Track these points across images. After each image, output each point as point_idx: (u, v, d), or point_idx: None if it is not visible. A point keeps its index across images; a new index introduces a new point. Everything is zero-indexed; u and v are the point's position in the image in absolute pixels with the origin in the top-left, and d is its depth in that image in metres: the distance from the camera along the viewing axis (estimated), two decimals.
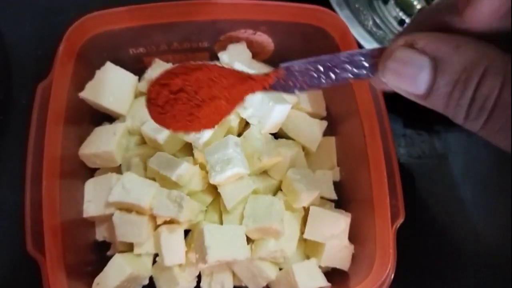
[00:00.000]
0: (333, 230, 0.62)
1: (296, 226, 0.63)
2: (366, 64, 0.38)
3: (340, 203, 0.69)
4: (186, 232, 0.64)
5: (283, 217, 0.59)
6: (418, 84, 0.34)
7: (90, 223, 0.65)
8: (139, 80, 0.70)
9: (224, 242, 0.57)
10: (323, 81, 0.39)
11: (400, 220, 0.58)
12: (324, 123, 0.71)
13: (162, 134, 0.61)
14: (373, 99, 0.63)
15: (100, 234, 0.65)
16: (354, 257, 0.63)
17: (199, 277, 0.64)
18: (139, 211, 0.60)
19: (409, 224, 0.72)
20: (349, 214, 0.64)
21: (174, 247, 0.60)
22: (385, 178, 0.59)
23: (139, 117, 0.66)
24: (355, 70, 0.38)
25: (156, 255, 0.63)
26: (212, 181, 0.60)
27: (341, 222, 0.63)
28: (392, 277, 0.56)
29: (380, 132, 0.61)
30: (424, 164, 0.81)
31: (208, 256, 0.55)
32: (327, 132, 0.72)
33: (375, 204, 0.59)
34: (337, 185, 0.70)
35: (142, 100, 0.68)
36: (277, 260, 0.62)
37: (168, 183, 0.62)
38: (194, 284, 0.63)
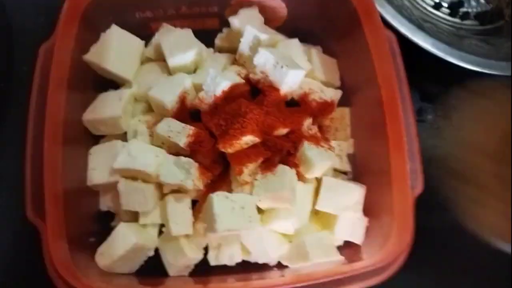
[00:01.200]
0: (346, 202, 0.60)
1: (309, 198, 0.60)
2: None
3: (354, 176, 0.66)
4: (194, 204, 0.61)
5: (295, 186, 0.57)
6: None
7: (94, 193, 0.63)
8: (146, 45, 0.67)
9: (234, 211, 0.54)
10: None
11: (419, 191, 0.55)
12: (339, 92, 0.68)
13: (169, 98, 0.59)
14: (394, 69, 0.60)
15: (104, 204, 0.63)
16: (368, 231, 0.61)
17: (206, 250, 0.61)
18: (145, 179, 0.58)
19: (423, 199, 0.70)
20: (364, 186, 0.61)
21: (181, 216, 0.58)
22: (404, 147, 0.56)
23: (145, 83, 0.63)
24: None
25: (162, 226, 0.61)
26: (222, 148, 0.57)
27: (355, 193, 0.60)
28: (408, 251, 0.53)
29: (400, 101, 0.59)
30: (440, 137, 0.78)
31: (217, 224, 0.53)
32: (341, 103, 0.69)
33: (393, 174, 0.56)
34: (350, 158, 0.67)
35: (149, 66, 0.66)
36: (288, 232, 0.59)
37: (175, 151, 0.59)
38: (201, 256, 0.61)
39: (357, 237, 0.60)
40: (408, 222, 0.53)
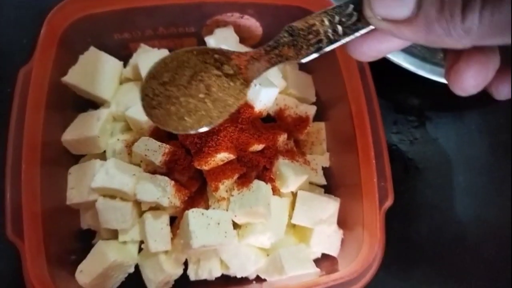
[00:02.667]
0: (321, 215, 0.61)
1: (284, 212, 0.62)
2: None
3: (330, 189, 0.68)
4: (172, 220, 0.62)
5: (269, 201, 0.58)
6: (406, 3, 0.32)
7: (75, 211, 0.64)
8: (125, 66, 0.68)
9: (209, 227, 0.56)
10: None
11: (389, 203, 0.57)
12: (313, 108, 0.70)
13: (146, 118, 0.60)
14: (362, 82, 0.62)
15: (85, 222, 0.64)
16: (343, 243, 0.62)
17: (186, 265, 0.62)
18: (123, 197, 0.59)
19: (400, 210, 0.72)
20: (338, 199, 0.63)
21: (159, 233, 0.59)
22: (372, 160, 0.58)
23: (124, 103, 0.65)
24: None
25: (142, 243, 0.62)
26: (198, 165, 0.58)
27: (329, 206, 0.62)
28: (380, 260, 0.55)
29: (368, 114, 0.60)
30: (416, 149, 0.80)
31: (192, 240, 0.54)
32: (317, 118, 0.71)
33: (363, 187, 0.58)
34: (327, 171, 0.69)
35: (127, 86, 0.67)
36: (265, 246, 0.61)
37: (153, 169, 0.61)
38: (181, 271, 0.62)
39: (333, 250, 0.62)
40: (377, 233, 0.54)
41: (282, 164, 0.62)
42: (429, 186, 0.78)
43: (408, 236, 0.74)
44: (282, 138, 0.65)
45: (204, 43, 0.69)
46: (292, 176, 0.60)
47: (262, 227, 0.59)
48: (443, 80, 0.73)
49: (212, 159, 0.58)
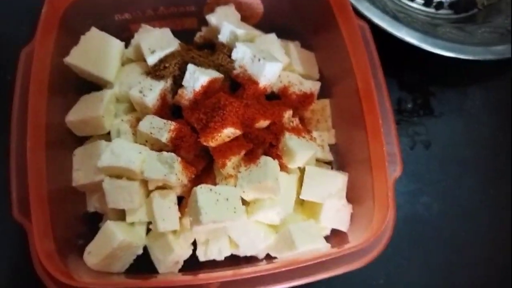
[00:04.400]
0: (330, 190, 0.61)
1: (292, 187, 0.61)
2: None
3: (336, 166, 0.67)
4: (180, 201, 0.62)
5: (278, 175, 0.58)
6: None
7: (81, 194, 0.63)
8: (126, 46, 0.68)
9: (218, 203, 0.55)
10: None
11: (399, 172, 0.57)
12: (318, 84, 0.69)
13: (150, 96, 0.60)
14: (368, 57, 0.62)
15: (91, 204, 0.63)
16: (353, 218, 0.62)
17: (195, 246, 0.62)
18: (130, 176, 0.58)
19: (406, 185, 0.72)
20: (346, 173, 0.63)
21: (167, 212, 0.58)
22: (380, 129, 0.57)
23: (127, 83, 0.64)
24: None
25: (149, 224, 0.61)
26: (204, 142, 0.58)
27: (338, 180, 0.61)
28: (392, 229, 0.54)
29: (375, 90, 0.60)
30: (421, 125, 0.80)
31: (201, 216, 0.53)
32: (321, 95, 0.70)
33: (372, 158, 0.58)
34: (333, 148, 0.68)
35: (130, 67, 0.66)
36: (274, 222, 0.60)
37: (158, 148, 0.60)
38: (190, 252, 0.62)
39: (343, 224, 0.61)
40: (388, 202, 0.54)
41: (289, 139, 0.61)
42: (436, 161, 0.78)
43: (415, 213, 0.74)
44: (288, 114, 0.64)
45: (205, 22, 0.69)
46: (299, 151, 0.60)
47: (270, 203, 0.59)
48: (446, 53, 0.73)
49: (219, 134, 0.57)
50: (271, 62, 0.60)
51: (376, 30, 0.68)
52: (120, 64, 0.66)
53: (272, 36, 0.69)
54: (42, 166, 0.55)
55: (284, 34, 0.72)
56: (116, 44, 0.65)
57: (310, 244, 0.58)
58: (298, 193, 0.62)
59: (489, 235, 0.73)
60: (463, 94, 0.83)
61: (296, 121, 0.67)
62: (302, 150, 0.60)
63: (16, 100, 0.57)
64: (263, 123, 0.62)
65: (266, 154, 0.62)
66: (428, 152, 0.79)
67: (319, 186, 0.61)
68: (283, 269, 0.51)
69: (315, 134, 0.67)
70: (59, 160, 0.60)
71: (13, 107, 0.57)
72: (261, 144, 0.62)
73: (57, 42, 0.60)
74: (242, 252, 0.61)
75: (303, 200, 0.62)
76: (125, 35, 0.69)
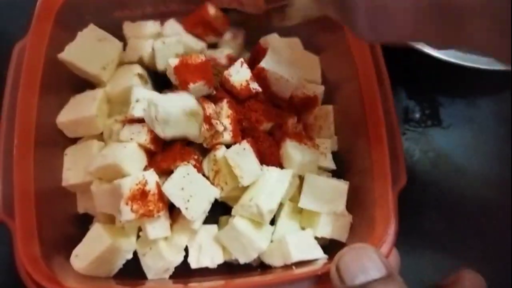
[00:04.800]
0: (329, 199, 0.58)
1: (283, 185, 0.58)
2: None
3: (338, 174, 0.65)
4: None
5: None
6: None
7: (71, 195, 0.61)
8: (124, 48, 0.66)
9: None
10: None
11: (402, 184, 0.54)
12: (321, 87, 0.67)
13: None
14: (374, 63, 0.59)
15: (82, 206, 0.61)
16: (352, 229, 0.59)
17: (186, 251, 0.59)
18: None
19: (411, 197, 0.69)
20: (347, 182, 0.60)
21: (157, 219, 0.56)
22: (384, 137, 0.55)
23: (121, 85, 0.62)
24: None
25: (140, 230, 0.59)
26: None
27: (338, 190, 0.59)
28: (393, 242, 0.51)
29: (380, 97, 0.57)
30: (428, 136, 0.77)
31: None
32: (324, 101, 0.68)
33: (374, 167, 0.55)
34: (335, 156, 0.65)
35: (125, 69, 0.64)
36: (255, 218, 0.57)
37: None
38: (181, 258, 0.59)
39: (342, 235, 0.59)
40: (390, 214, 0.51)
41: (290, 147, 0.59)
42: (442, 174, 0.75)
43: (420, 228, 0.71)
44: (292, 121, 0.62)
45: None
46: (299, 159, 0.58)
47: (248, 194, 0.57)
48: (456, 61, 0.70)
49: None
50: None
51: None
52: (116, 65, 0.64)
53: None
54: (29, 163, 0.53)
55: (286, 35, 0.69)
56: (114, 44, 0.63)
57: (307, 254, 0.55)
58: (297, 201, 0.59)
59: (498, 252, 0.70)
60: (473, 105, 0.80)
61: (299, 127, 0.65)
62: (303, 157, 0.58)
63: (6, 96, 0.55)
64: (266, 126, 0.60)
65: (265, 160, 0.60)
66: (435, 164, 0.76)
67: (319, 195, 0.58)
68: (277, 281, 0.49)
69: (318, 141, 0.65)
70: (49, 158, 0.58)
71: (4, 102, 0.55)
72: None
73: (52, 37, 0.58)
74: (235, 259, 0.59)
75: (301, 208, 0.60)
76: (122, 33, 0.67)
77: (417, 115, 0.79)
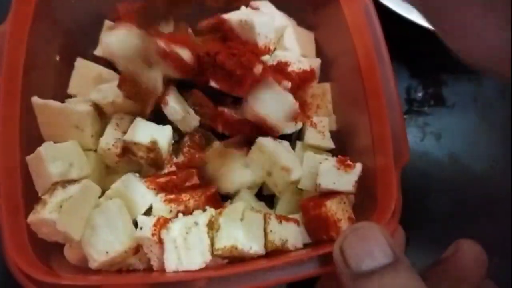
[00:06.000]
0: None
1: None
2: None
3: (337, 153, 0.62)
4: None
5: None
6: None
7: None
8: None
9: None
10: None
11: (405, 160, 0.51)
12: (317, 61, 0.64)
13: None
14: (371, 33, 0.57)
15: None
16: (354, 207, 0.56)
17: None
18: None
19: (415, 178, 0.66)
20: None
21: None
22: (386, 116, 0.52)
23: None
24: None
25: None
26: None
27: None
28: (396, 224, 0.49)
29: (379, 71, 0.55)
30: (432, 116, 0.75)
31: None
32: (321, 78, 0.66)
33: (376, 145, 0.53)
34: (333, 135, 0.63)
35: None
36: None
37: None
38: None
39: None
40: (393, 191, 0.48)
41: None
42: (446, 154, 0.72)
43: (424, 210, 0.68)
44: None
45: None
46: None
47: None
48: None
49: None
50: (259, 17, 0.56)
51: (385, 14, 0.63)
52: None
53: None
54: (15, 149, 0.51)
55: (282, 8, 0.67)
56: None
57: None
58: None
59: (505, 233, 0.67)
60: (477, 83, 0.78)
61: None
62: None
63: None
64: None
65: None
66: (438, 144, 0.74)
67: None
68: (274, 265, 0.46)
69: (315, 119, 0.62)
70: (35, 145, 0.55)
71: None
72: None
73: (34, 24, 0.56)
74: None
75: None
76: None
77: (420, 94, 0.77)
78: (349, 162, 0.53)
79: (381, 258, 0.38)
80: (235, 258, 0.51)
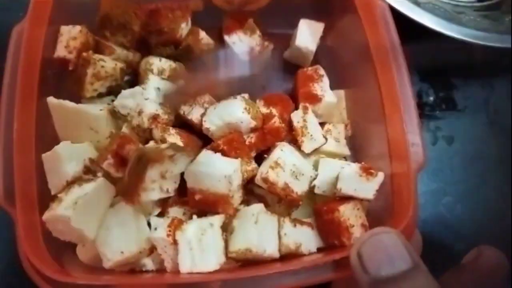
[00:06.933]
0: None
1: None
2: None
3: (353, 160, 0.62)
4: None
5: None
6: None
7: None
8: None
9: None
10: None
11: (423, 165, 0.51)
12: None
13: None
14: (388, 39, 0.57)
15: None
16: (370, 213, 0.56)
17: None
18: None
19: (428, 182, 0.66)
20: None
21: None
22: (402, 117, 0.52)
23: None
24: None
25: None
26: None
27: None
28: (413, 229, 0.49)
29: (396, 76, 0.55)
30: (443, 120, 0.74)
31: None
32: (336, 85, 0.65)
33: (392, 151, 0.52)
34: (348, 141, 0.63)
35: None
36: None
37: None
38: None
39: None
40: (410, 196, 0.48)
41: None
42: (459, 159, 0.72)
43: (437, 214, 0.68)
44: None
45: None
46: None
47: None
48: (473, 40, 0.68)
49: None
50: None
51: (396, 18, 0.63)
52: None
53: None
54: (31, 150, 0.51)
55: (294, 15, 0.67)
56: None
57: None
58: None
59: None
60: (488, 87, 0.77)
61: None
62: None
63: (6, 82, 0.53)
64: None
65: None
66: (451, 149, 0.73)
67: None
68: (288, 269, 0.46)
69: (329, 126, 0.62)
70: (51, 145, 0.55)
71: (3, 89, 0.52)
72: None
73: (52, 19, 0.56)
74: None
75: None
76: None
77: (431, 98, 0.76)
78: (372, 170, 0.53)
79: (400, 264, 0.38)
80: (248, 261, 0.51)
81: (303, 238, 0.53)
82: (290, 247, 0.52)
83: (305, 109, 0.60)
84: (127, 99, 0.56)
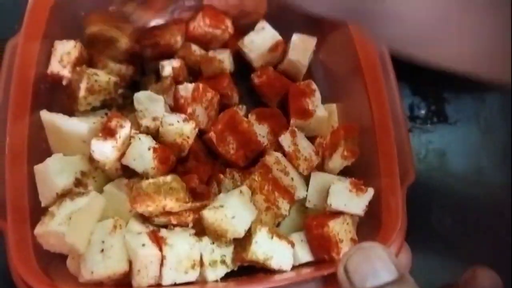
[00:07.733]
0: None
1: None
2: None
3: (343, 172, 0.62)
4: None
5: None
6: None
7: None
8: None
9: None
10: None
11: (411, 180, 0.52)
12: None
13: None
14: (379, 57, 0.58)
15: None
16: (359, 226, 0.57)
17: None
18: None
19: (419, 196, 0.66)
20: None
21: None
22: (392, 135, 0.53)
23: None
24: None
25: None
26: None
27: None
28: (401, 243, 0.49)
29: (386, 90, 0.56)
30: (434, 134, 0.75)
31: None
32: (328, 99, 0.66)
33: (381, 164, 0.53)
34: None
35: None
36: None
37: None
38: None
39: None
40: (399, 211, 0.49)
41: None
42: (450, 172, 0.73)
43: (427, 228, 0.68)
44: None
45: None
46: None
47: None
48: None
49: None
50: None
51: None
52: None
53: None
54: (23, 163, 0.51)
55: (287, 30, 0.68)
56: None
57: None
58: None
59: (510, 251, 0.67)
60: (480, 100, 0.78)
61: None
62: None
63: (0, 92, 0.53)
64: None
65: None
66: (442, 162, 0.74)
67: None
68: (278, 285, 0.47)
69: (320, 140, 0.63)
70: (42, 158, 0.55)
71: None
72: None
73: (47, 33, 0.56)
74: None
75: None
76: None
77: (423, 112, 0.77)
78: (362, 186, 0.53)
79: (385, 275, 0.38)
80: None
81: (277, 253, 0.52)
82: (257, 257, 0.51)
83: (293, 133, 0.60)
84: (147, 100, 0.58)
